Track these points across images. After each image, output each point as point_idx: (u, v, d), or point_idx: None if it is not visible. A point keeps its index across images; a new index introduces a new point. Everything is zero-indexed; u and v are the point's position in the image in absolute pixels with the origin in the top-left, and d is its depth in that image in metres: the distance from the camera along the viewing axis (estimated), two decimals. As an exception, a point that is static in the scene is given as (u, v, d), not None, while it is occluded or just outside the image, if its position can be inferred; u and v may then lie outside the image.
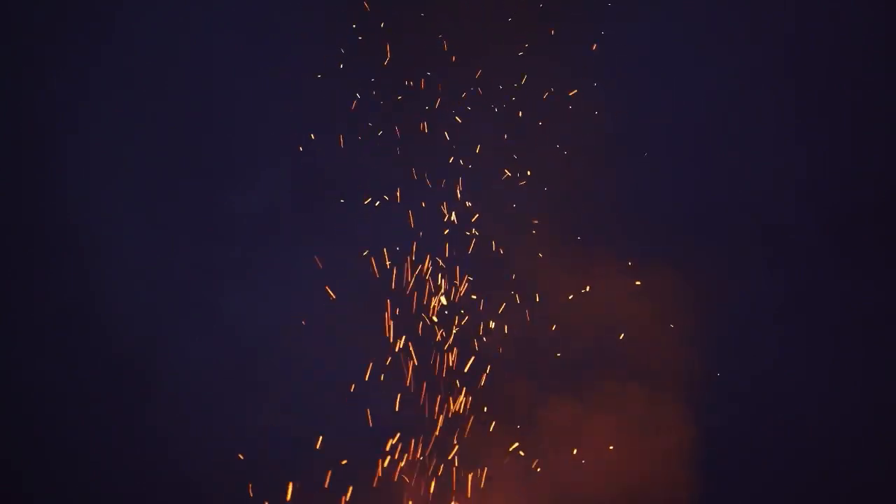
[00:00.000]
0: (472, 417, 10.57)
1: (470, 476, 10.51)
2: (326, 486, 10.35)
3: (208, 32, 10.91)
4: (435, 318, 10.63)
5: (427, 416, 10.52)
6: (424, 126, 10.81)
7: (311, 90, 10.85)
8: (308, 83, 10.85)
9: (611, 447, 10.59)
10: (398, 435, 10.45)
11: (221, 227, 10.86)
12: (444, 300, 10.66)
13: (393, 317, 10.59)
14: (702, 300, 10.70)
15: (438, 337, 10.61)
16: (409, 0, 10.88)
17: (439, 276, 10.67)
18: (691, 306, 10.68)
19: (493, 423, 10.57)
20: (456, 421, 10.55)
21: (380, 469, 10.41)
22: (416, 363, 10.55)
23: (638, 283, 10.71)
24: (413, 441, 10.47)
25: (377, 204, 10.76)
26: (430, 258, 10.69)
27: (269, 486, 10.43)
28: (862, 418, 10.60)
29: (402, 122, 10.81)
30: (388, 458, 10.43)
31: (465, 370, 10.60)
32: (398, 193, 10.75)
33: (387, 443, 10.44)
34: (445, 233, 10.73)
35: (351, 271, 10.65)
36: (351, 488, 10.36)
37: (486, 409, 10.59)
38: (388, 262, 10.64)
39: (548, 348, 10.69)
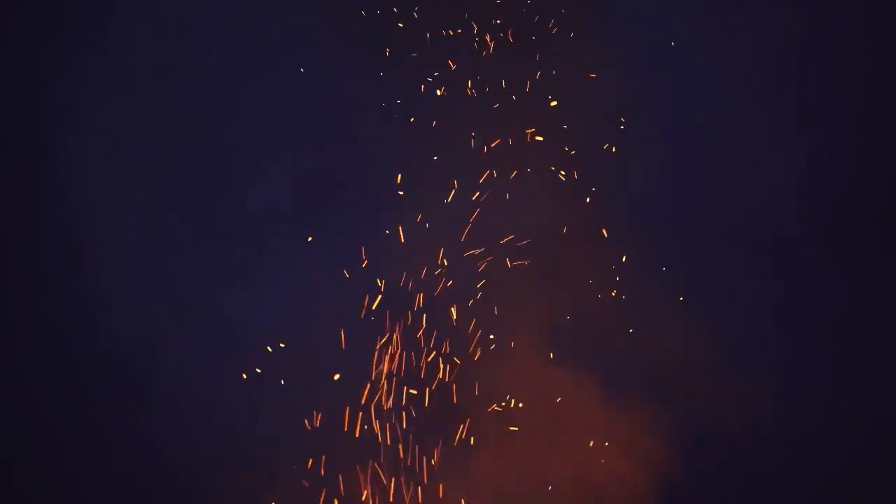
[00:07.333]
0: (471, 422, 10.63)
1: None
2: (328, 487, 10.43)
3: (208, 33, 10.86)
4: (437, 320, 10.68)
5: (430, 417, 10.56)
6: (429, 126, 10.81)
7: (312, 91, 10.81)
8: (309, 84, 10.82)
9: (606, 444, 10.66)
10: (401, 435, 10.49)
11: (222, 229, 10.84)
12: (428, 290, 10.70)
13: (394, 318, 10.60)
14: (702, 304, 10.77)
15: (441, 338, 10.63)
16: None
17: (443, 278, 10.69)
18: (692, 309, 10.75)
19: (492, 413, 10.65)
20: (460, 424, 10.60)
21: (383, 471, 10.46)
22: (419, 364, 10.58)
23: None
24: (416, 443, 10.51)
25: (379, 205, 10.77)
26: (433, 262, 10.70)
27: (269, 489, 10.47)
28: (861, 420, 10.69)
29: (406, 122, 10.79)
30: (391, 458, 10.48)
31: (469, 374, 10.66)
32: (401, 195, 10.74)
33: (389, 443, 10.49)
34: (450, 235, 10.75)
35: (351, 273, 10.65)
36: (354, 491, 10.42)
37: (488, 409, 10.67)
38: (391, 265, 10.65)
39: (550, 351, 10.74)
